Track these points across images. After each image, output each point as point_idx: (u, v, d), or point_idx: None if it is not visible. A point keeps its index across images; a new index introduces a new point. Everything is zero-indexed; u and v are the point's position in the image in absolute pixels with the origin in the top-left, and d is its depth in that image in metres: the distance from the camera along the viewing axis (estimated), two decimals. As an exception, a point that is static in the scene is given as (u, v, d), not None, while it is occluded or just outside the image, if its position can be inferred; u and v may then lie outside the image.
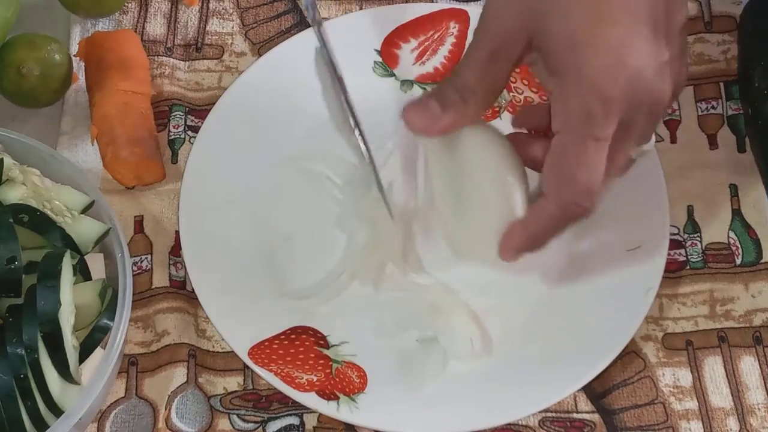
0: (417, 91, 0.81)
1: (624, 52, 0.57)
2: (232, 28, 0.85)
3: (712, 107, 0.81)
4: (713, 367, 0.72)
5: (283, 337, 0.71)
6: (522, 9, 0.59)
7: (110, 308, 0.67)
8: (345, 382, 0.70)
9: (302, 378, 0.69)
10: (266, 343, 0.70)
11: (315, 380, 0.69)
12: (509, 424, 0.69)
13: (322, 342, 0.72)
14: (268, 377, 0.69)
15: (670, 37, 0.58)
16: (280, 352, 0.70)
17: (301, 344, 0.71)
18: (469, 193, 0.66)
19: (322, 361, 0.71)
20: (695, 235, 0.76)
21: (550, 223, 0.63)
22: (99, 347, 0.66)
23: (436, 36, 0.83)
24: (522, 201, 0.64)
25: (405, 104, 0.63)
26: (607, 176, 0.60)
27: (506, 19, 0.60)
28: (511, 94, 0.80)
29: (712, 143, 0.80)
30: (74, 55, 0.82)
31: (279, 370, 0.69)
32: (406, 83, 0.82)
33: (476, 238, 0.67)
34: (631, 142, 0.60)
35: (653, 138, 0.64)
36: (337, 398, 0.69)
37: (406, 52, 0.82)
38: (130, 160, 0.76)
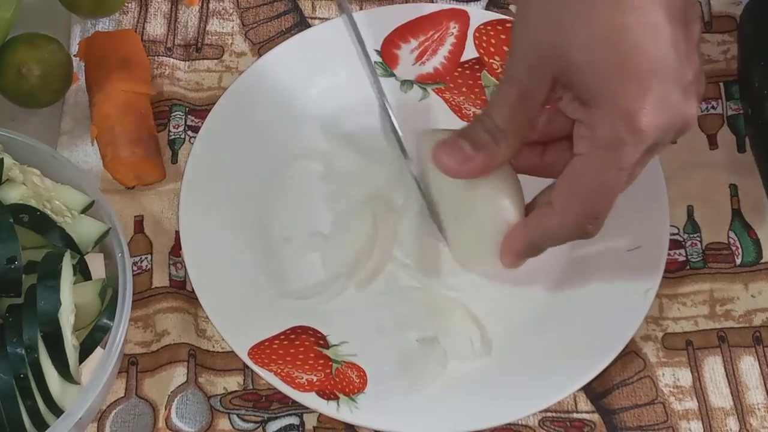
0: (417, 91, 0.81)
1: (651, 78, 0.57)
2: (232, 28, 0.85)
3: (712, 107, 0.81)
4: (713, 367, 0.72)
5: (282, 337, 0.71)
6: (544, 48, 0.59)
7: (110, 308, 0.67)
8: (345, 382, 0.70)
9: (302, 378, 0.69)
10: (266, 343, 0.70)
11: (315, 380, 0.69)
12: (509, 424, 0.69)
13: (322, 342, 0.72)
14: (268, 377, 0.69)
15: (690, 55, 0.58)
16: (280, 352, 0.70)
17: (301, 344, 0.71)
18: (465, 203, 0.67)
19: (322, 361, 0.71)
20: (695, 235, 0.76)
21: (551, 234, 0.63)
22: (99, 347, 0.66)
23: (436, 36, 0.83)
24: (515, 210, 0.65)
25: (436, 144, 0.64)
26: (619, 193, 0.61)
27: (531, 60, 0.60)
28: None
29: (712, 143, 0.80)
30: (74, 55, 0.82)
31: (279, 370, 0.69)
32: (406, 83, 0.82)
33: (473, 247, 0.68)
34: (649, 158, 0.61)
35: None
36: (337, 398, 0.69)
37: (406, 52, 0.82)
38: (130, 160, 0.76)
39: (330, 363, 0.71)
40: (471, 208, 0.67)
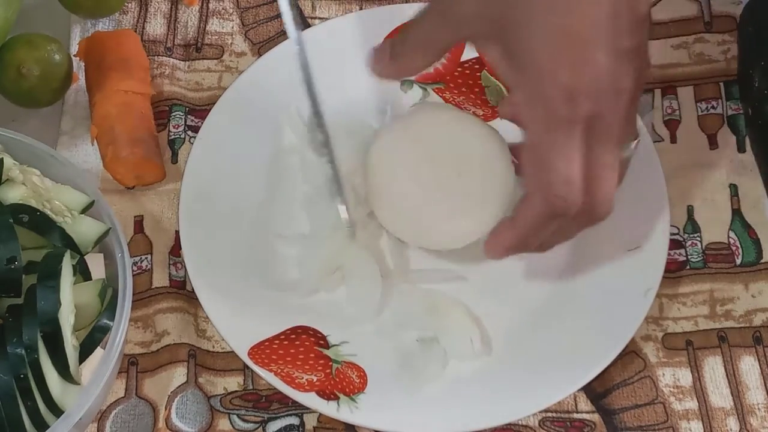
0: (417, 92, 0.81)
1: (583, 40, 0.57)
2: (232, 28, 0.85)
3: (712, 107, 0.81)
4: (713, 367, 0.72)
5: (283, 337, 0.71)
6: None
7: (110, 308, 0.67)
8: (345, 382, 0.70)
9: (302, 378, 0.69)
10: (266, 343, 0.70)
11: (315, 380, 0.69)
12: (509, 424, 0.69)
13: (322, 342, 0.72)
14: (268, 377, 0.69)
15: (632, 27, 0.59)
16: (280, 352, 0.70)
17: (301, 344, 0.71)
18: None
19: (322, 361, 0.71)
20: (695, 235, 0.76)
21: (537, 221, 0.63)
22: (99, 347, 0.66)
23: None
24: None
25: (371, 49, 0.69)
26: (600, 179, 0.60)
27: (469, 3, 0.62)
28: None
29: (712, 143, 0.80)
30: (74, 55, 0.82)
31: (279, 370, 0.69)
32: (406, 83, 0.82)
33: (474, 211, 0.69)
34: (609, 137, 0.60)
35: (637, 133, 0.64)
36: (337, 398, 0.69)
37: None
38: (130, 160, 0.76)
39: (330, 363, 0.71)
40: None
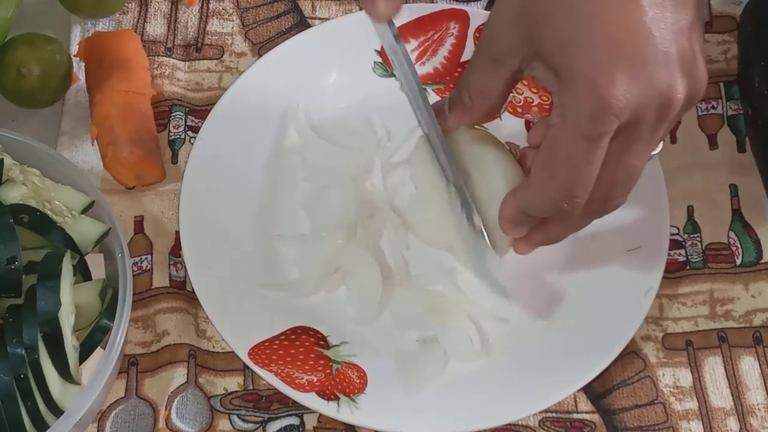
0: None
1: (620, 45, 0.55)
2: (232, 28, 0.85)
3: (712, 107, 0.81)
4: (713, 367, 0.72)
5: (283, 337, 0.71)
6: (521, 15, 0.59)
7: (110, 308, 0.67)
8: (345, 382, 0.70)
9: (302, 378, 0.69)
10: (266, 344, 0.70)
11: (315, 380, 0.69)
12: (509, 424, 0.69)
13: (322, 342, 0.72)
14: (269, 377, 0.69)
15: (678, 30, 0.56)
16: (281, 352, 0.70)
17: (301, 344, 0.71)
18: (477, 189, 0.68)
19: (322, 362, 0.71)
20: (695, 235, 0.76)
21: (531, 206, 0.62)
22: (99, 347, 0.66)
23: (436, 36, 0.83)
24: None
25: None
26: (615, 181, 0.59)
27: (507, 28, 0.60)
28: (512, 94, 0.80)
29: (712, 143, 0.80)
30: (74, 55, 0.82)
31: (279, 371, 0.69)
32: None
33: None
34: (639, 145, 0.58)
35: (662, 144, 0.62)
36: (337, 399, 0.69)
37: None
38: (130, 160, 0.76)
39: (330, 363, 0.71)
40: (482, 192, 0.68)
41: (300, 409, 0.70)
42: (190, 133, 0.80)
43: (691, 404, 0.71)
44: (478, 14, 0.83)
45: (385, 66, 0.82)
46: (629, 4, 0.56)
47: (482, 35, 0.63)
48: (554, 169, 0.59)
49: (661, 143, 0.62)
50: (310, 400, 0.69)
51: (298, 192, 0.77)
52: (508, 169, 0.67)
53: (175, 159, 0.80)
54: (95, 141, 0.78)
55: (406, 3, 0.85)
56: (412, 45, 0.82)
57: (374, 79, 0.81)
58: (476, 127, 0.69)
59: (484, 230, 0.68)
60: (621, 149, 0.58)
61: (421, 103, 0.67)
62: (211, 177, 0.76)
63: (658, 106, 0.57)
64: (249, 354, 0.70)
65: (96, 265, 0.70)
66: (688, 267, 0.75)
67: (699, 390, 0.71)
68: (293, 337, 0.71)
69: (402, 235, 0.75)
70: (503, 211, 0.65)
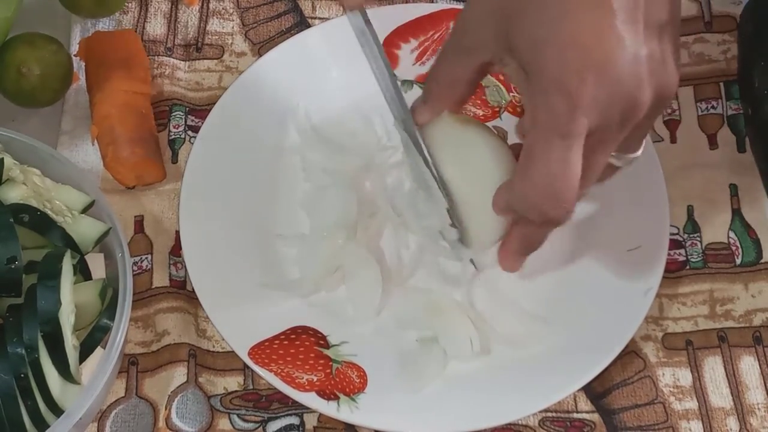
0: (417, 91, 0.81)
1: (591, 46, 0.55)
2: (232, 28, 0.85)
3: (712, 107, 0.81)
4: (713, 366, 0.72)
5: (283, 337, 0.71)
6: (495, 10, 0.59)
7: (110, 308, 0.67)
8: (345, 382, 0.70)
9: (302, 378, 0.69)
10: (266, 343, 0.71)
11: (315, 380, 0.69)
12: (509, 424, 0.69)
13: (322, 342, 0.72)
14: (268, 377, 0.69)
15: (648, 33, 0.56)
16: (280, 352, 0.70)
17: (301, 344, 0.71)
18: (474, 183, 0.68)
19: (322, 361, 0.71)
20: (695, 235, 0.76)
21: (521, 209, 0.62)
22: (99, 347, 0.66)
23: (436, 36, 0.83)
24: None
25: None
26: (583, 182, 0.59)
27: (481, 21, 0.61)
28: (511, 94, 0.80)
29: (712, 143, 0.80)
30: (74, 55, 0.82)
31: (279, 370, 0.69)
32: (406, 83, 0.82)
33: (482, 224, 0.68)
34: (608, 147, 0.59)
35: (641, 148, 0.62)
36: (337, 398, 0.69)
37: (406, 52, 0.82)
38: (130, 160, 0.76)
39: (330, 363, 0.71)
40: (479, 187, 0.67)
41: (300, 409, 0.70)
42: (190, 132, 0.80)
43: (691, 404, 0.71)
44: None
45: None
46: (601, 7, 0.55)
47: (455, 25, 0.63)
48: (534, 176, 0.59)
49: (639, 150, 0.62)
50: (310, 399, 0.69)
51: (298, 192, 0.77)
52: (499, 151, 0.67)
53: (175, 159, 0.80)
54: (95, 141, 0.78)
55: (406, 3, 0.85)
56: (412, 45, 0.82)
57: (375, 79, 0.81)
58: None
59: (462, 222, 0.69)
60: (588, 148, 0.58)
61: (393, 92, 0.68)
62: (211, 177, 0.76)
63: (624, 110, 0.57)
64: (249, 354, 0.70)
65: (96, 264, 0.70)
66: (688, 267, 0.75)
67: (699, 390, 0.71)
68: (293, 336, 0.71)
69: (402, 235, 0.75)
70: (496, 200, 0.65)
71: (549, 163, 0.58)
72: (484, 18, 0.60)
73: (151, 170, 0.77)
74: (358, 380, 0.70)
